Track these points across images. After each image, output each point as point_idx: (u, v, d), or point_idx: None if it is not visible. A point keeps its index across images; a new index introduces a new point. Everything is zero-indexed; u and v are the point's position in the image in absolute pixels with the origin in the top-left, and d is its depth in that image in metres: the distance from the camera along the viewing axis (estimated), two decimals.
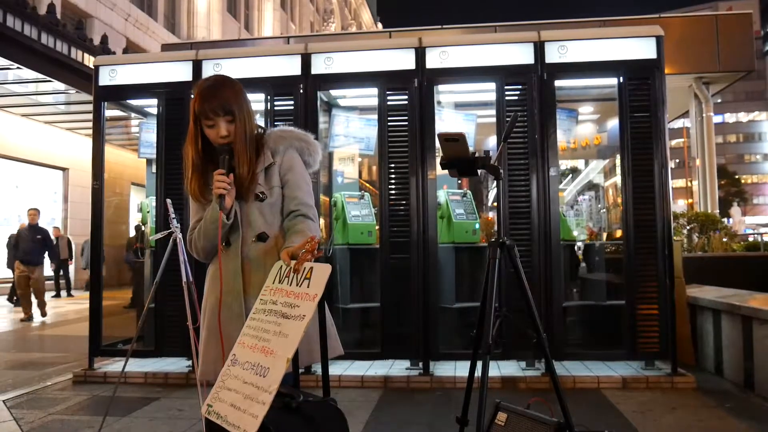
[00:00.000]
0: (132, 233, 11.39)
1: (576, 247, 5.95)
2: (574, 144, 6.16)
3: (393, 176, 5.12)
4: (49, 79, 12.44)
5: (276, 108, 5.27)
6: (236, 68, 5.37)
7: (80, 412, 4.35)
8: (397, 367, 5.18)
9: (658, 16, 13.57)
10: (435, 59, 5.14)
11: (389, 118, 5.14)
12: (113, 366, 5.52)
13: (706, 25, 12.12)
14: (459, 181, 6.10)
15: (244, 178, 2.20)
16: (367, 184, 6.77)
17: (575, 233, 5.81)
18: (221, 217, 2.15)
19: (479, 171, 2.70)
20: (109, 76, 5.53)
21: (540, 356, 4.83)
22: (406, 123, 5.12)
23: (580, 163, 7.12)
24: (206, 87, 2.21)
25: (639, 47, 5.01)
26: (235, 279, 2.24)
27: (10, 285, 13.40)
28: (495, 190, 6.57)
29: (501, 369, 5.06)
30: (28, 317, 10.35)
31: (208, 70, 5.37)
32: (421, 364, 5.04)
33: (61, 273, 14.84)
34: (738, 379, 4.79)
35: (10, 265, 11.59)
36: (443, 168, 2.78)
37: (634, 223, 4.89)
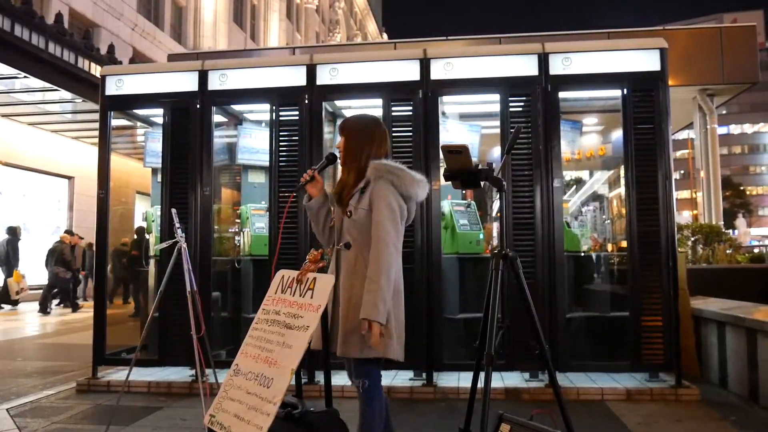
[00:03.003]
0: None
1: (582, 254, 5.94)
2: (578, 155, 6.17)
3: None
4: (56, 88, 12.51)
5: (281, 118, 5.29)
6: (242, 79, 5.41)
7: (84, 421, 4.35)
8: (401, 378, 5.17)
9: (662, 29, 13.62)
10: (440, 70, 5.17)
11: (394, 129, 5.16)
12: (117, 375, 5.53)
13: (710, 37, 12.15)
14: (463, 192, 6.10)
15: (342, 185, 2.80)
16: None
17: (579, 244, 5.80)
18: (306, 198, 2.86)
19: (482, 183, 2.72)
20: (115, 86, 5.58)
21: (544, 367, 4.82)
22: (411, 134, 5.14)
23: (584, 174, 7.12)
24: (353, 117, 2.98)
25: (643, 59, 5.03)
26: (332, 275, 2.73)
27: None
28: (498, 201, 6.57)
29: (505, 380, 5.04)
30: None
31: (214, 80, 5.40)
32: (424, 375, 5.03)
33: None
34: (743, 392, 4.77)
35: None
36: (446, 180, 2.79)
37: (638, 235, 4.89)
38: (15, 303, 13.75)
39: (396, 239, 2.68)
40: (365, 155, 2.75)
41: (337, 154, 2.88)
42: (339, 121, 5.93)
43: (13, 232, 13.83)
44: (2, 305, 13.61)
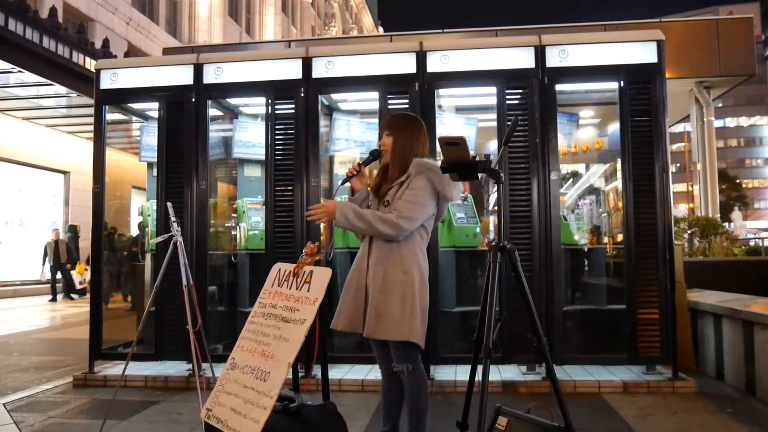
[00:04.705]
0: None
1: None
2: (575, 148, 6.16)
3: None
4: (50, 82, 12.47)
5: (277, 112, 5.27)
6: (237, 72, 5.37)
7: (80, 416, 4.35)
8: None
9: (659, 21, 13.62)
10: (436, 63, 5.14)
11: None
12: (113, 369, 5.52)
13: (706, 29, 12.15)
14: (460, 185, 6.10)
15: (382, 179, 3.04)
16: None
17: (576, 237, 5.81)
18: (349, 192, 3.16)
19: (480, 175, 2.70)
20: (110, 80, 5.54)
21: (541, 360, 4.82)
22: None
23: (581, 167, 7.12)
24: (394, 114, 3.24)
25: (640, 51, 5.01)
26: (362, 260, 2.97)
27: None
28: (496, 194, 6.56)
29: (502, 373, 5.05)
30: None
31: (209, 73, 5.37)
32: None
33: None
34: (739, 384, 4.78)
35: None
36: (444, 172, 2.78)
37: (635, 228, 4.89)
38: (82, 293, 14.66)
39: (404, 224, 2.84)
40: (410, 152, 2.98)
41: (381, 151, 3.10)
42: (334, 115, 5.93)
43: (74, 230, 15.09)
44: (71, 295, 14.70)
